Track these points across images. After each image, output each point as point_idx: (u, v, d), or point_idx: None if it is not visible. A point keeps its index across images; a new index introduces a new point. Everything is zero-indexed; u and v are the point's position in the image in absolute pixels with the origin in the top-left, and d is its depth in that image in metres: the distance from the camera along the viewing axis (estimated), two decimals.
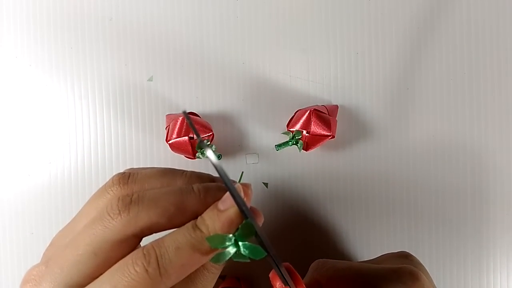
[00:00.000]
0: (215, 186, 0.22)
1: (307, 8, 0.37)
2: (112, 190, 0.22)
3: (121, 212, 0.20)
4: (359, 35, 0.37)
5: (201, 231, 0.20)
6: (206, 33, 0.37)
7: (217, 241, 0.20)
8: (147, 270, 0.18)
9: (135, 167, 0.26)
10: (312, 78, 0.37)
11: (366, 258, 0.37)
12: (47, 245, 0.23)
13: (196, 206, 0.21)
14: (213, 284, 0.22)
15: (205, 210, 0.21)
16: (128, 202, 0.20)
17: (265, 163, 0.37)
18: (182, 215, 0.20)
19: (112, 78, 0.37)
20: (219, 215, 0.20)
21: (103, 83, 0.37)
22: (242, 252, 0.19)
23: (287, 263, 0.23)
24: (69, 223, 0.23)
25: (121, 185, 0.22)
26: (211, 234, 0.20)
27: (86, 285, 0.19)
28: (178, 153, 0.35)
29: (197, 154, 0.34)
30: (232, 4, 0.37)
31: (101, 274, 0.19)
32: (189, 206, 0.21)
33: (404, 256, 0.29)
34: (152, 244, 0.19)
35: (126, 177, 0.22)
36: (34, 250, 0.37)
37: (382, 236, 0.37)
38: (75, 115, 0.37)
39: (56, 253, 0.21)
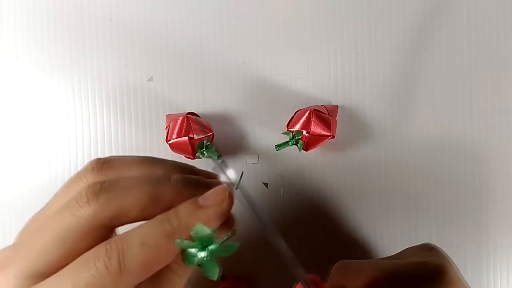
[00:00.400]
0: (195, 180, 0.21)
1: (307, 8, 0.37)
2: (85, 177, 0.20)
3: (90, 200, 0.19)
4: (359, 35, 0.37)
5: (171, 224, 0.18)
6: (206, 33, 0.37)
7: (201, 234, 0.18)
8: (107, 267, 0.17)
9: (119, 154, 0.24)
10: (312, 78, 0.37)
11: (367, 256, 0.37)
12: None
13: (171, 198, 0.19)
14: None
15: (181, 203, 0.19)
16: (98, 190, 0.19)
17: (265, 163, 0.37)
18: (155, 206, 0.19)
19: (112, 78, 0.37)
20: (197, 211, 0.19)
21: (103, 83, 0.37)
22: (206, 255, 0.18)
23: (314, 275, 0.23)
24: (42, 208, 0.22)
25: (95, 171, 0.20)
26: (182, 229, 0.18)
27: (51, 274, 0.18)
28: (178, 153, 0.35)
29: (197, 154, 0.34)
30: (232, 4, 0.37)
31: (67, 264, 0.19)
32: (164, 197, 0.19)
33: (428, 249, 0.28)
34: (116, 238, 0.18)
35: (101, 163, 0.21)
36: None
37: (382, 236, 0.37)
38: (75, 115, 0.37)
39: (24, 238, 0.20)
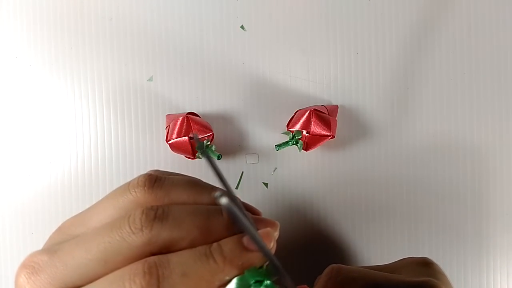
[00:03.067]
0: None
1: (307, 8, 0.37)
2: (135, 192, 0.20)
3: (144, 227, 0.18)
4: (359, 35, 0.37)
5: (215, 261, 0.18)
6: (206, 33, 0.37)
7: (255, 275, 0.18)
8: None
9: (161, 170, 0.24)
10: (312, 78, 0.37)
11: (366, 257, 0.37)
12: None
13: (221, 233, 0.19)
14: None
15: (227, 236, 0.19)
16: (152, 218, 0.18)
17: (265, 163, 0.37)
18: (204, 240, 0.19)
19: (112, 78, 0.37)
20: (242, 253, 0.18)
21: (103, 83, 0.37)
22: None
23: (303, 286, 0.23)
24: (82, 212, 0.21)
25: (146, 188, 0.20)
26: (247, 270, 0.18)
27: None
28: (178, 153, 0.35)
29: (197, 154, 0.34)
30: (232, 4, 0.37)
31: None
32: (214, 231, 0.19)
33: (425, 264, 0.27)
34: (155, 260, 0.18)
35: (153, 181, 0.20)
36: (34, 250, 0.37)
37: (381, 236, 0.37)
38: (75, 115, 0.37)
39: (64, 246, 0.20)
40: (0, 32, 0.37)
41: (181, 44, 0.37)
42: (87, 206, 0.22)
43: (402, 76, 0.37)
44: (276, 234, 0.20)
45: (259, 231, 0.20)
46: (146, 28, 0.37)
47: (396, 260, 0.30)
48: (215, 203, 0.20)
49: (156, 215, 0.19)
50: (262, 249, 0.18)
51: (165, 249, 0.19)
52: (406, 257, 0.30)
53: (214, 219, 0.19)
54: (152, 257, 0.18)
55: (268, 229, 0.20)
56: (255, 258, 0.19)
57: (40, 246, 0.38)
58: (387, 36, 0.37)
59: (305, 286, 0.24)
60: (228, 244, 0.19)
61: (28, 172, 0.37)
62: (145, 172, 0.21)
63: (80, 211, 0.22)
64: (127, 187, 0.20)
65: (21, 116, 0.37)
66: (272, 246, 0.20)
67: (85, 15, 0.37)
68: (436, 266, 0.27)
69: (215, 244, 0.19)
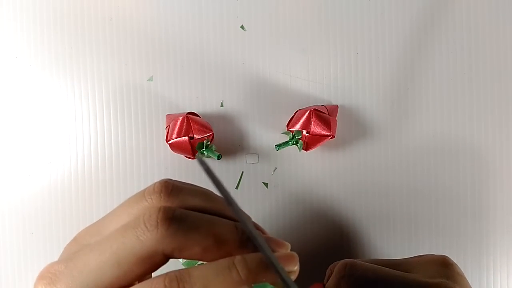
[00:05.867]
0: (258, 234, 0.20)
1: (307, 8, 0.37)
2: (151, 198, 0.20)
3: (159, 225, 0.18)
4: (359, 35, 0.37)
5: (239, 274, 0.18)
6: (206, 33, 0.37)
7: None
8: None
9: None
10: (312, 78, 0.37)
11: (366, 257, 0.37)
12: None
13: (234, 247, 0.19)
14: None
15: (240, 254, 0.19)
16: (170, 217, 0.18)
17: (265, 163, 0.37)
18: (217, 250, 0.19)
19: (112, 78, 0.37)
20: (266, 270, 0.18)
21: (103, 83, 0.37)
22: None
23: (318, 284, 0.23)
24: (97, 221, 0.21)
25: (162, 195, 0.20)
26: (255, 283, 0.18)
27: None
28: (178, 153, 0.35)
29: (197, 154, 0.34)
30: (232, 4, 0.37)
31: (118, 287, 0.18)
32: (228, 244, 0.19)
33: (444, 264, 0.26)
34: (176, 274, 0.18)
35: (169, 188, 0.20)
36: (34, 250, 0.37)
37: (382, 235, 0.37)
38: (75, 115, 0.37)
39: (79, 253, 0.20)
40: (0, 32, 0.37)
41: (181, 44, 0.37)
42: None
43: (402, 76, 0.37)
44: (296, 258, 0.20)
45: (283, 253, 0.20)
46: (146, 28, 0.37)
47: (399, 258, 0.29)
48: (227, 217, 0.20)
49: (174, 215, 0.18)
50: (280, 272, 0.17)
51: (178, 253, 0.18)
52: (426, 254, 0.29)
53: (229, 232, 0.19)
54: (173, 271, 0.18)
55: (293, 252, 0.20)
56: (275, 278, 0.18)
57: (40, 246, 0.38)
58: (387, 36, 0.37)
59: (320, 285, 0.24)
60: (253, 258, 0.19)
61: (28, 172, 0.37)
62: (159, 180, 0.21)
63: (95, 221, 0.21)
64: (142, 194, 0.20)
65: (21, 116, 0.37)
66: (296, 268, 0.20)
67: (85, 15, 0.37)
68: (455, 267, 0.26)
69: (239, 257, 0.18)
